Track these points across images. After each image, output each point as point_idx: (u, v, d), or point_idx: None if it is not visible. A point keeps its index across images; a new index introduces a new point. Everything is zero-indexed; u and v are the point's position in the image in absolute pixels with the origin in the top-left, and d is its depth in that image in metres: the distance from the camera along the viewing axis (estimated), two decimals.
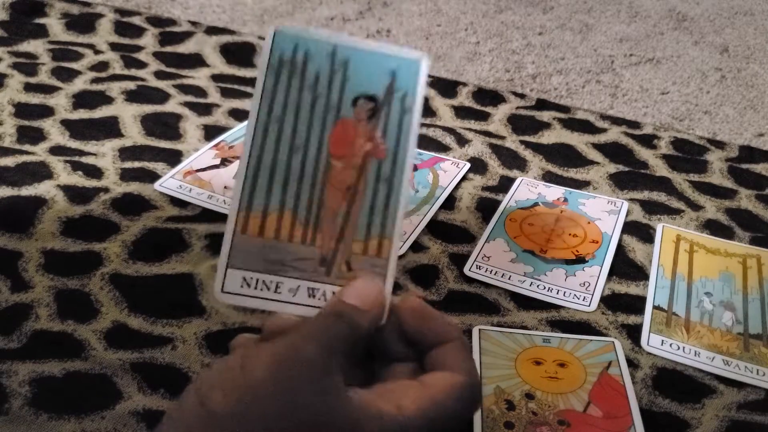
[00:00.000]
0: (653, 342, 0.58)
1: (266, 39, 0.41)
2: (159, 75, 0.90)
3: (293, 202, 0.40)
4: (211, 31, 1.01)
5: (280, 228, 0.40)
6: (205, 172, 0.73)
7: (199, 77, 0.91)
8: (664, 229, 0.70)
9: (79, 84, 0.86)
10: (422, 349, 0.39)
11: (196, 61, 0.95)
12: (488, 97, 0.92)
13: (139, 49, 0.96)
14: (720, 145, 0.86)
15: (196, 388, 0.34)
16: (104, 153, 0.75)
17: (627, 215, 0.72)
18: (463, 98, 0.91)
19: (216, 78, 0.91)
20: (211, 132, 0.79)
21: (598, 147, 0.83)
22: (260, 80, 0.41)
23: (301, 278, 0.40)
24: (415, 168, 0.76)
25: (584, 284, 0.63)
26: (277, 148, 0.40)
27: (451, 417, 0.36)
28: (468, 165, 0.77)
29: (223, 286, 0.39)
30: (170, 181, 0.71)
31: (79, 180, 0.70)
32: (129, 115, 0.81)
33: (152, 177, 0.72)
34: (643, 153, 0.83)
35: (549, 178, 0.77)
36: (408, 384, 0.37)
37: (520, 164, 0.79)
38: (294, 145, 0.41)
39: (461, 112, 0.88)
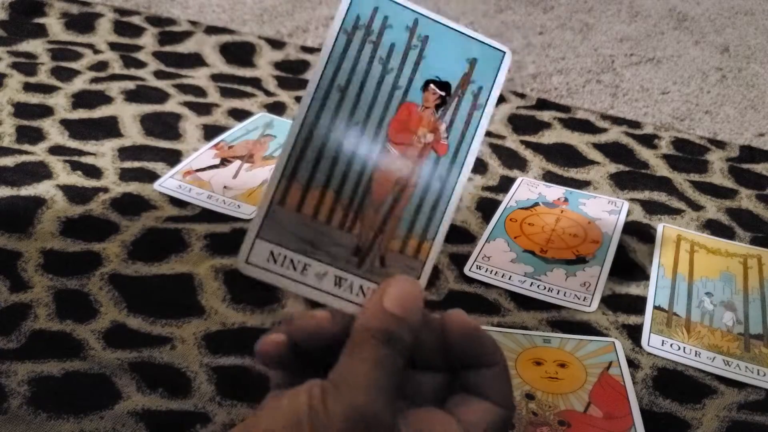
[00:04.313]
0: (654, 342, 0.58)
1: None
2: (158, 75, 0.90)
3: (338, 182, 0.37)
4: (211, 30, 1.01)
5: (320, 207, 0.37)
6: (204, 172, 0.73)
7: (198, 77, 0.91)
8: (664, 229, 0.70)
9: (79, 84, 0.86)
10: (458, 365, 0.38)
11: (195, 60, 0.95)
12: None
13: (138, 48, 0.96)
14: (720, 145, 0.85)
15: None
16: (104, 153, 0.74)
17: (627, 215, 0.72)
18: None
19: (216, 78, 0.91)
20: (210, 132, 0.79)
21: (598, 147, 0.83)
22: (329, 41, 0.37)
23: (332, 265, 0.37)
24: None
25: (584, 284, 0.63)
26: (334, 121, 0.37)
27: None
28: None
29: (249, 256, 0.36)
30: (170, 181, 0.71)
31: (78, 180, 0.70)
32: (128, 114, 0.81)
33: (152, 177, 0.71)
34: (644, 153, 0.83)
35: (549, 178, 0.77)
36: (449, 422, 0.35)
37: (521, 164, 0.79)
38: (352, 120, 0.37)
39: None
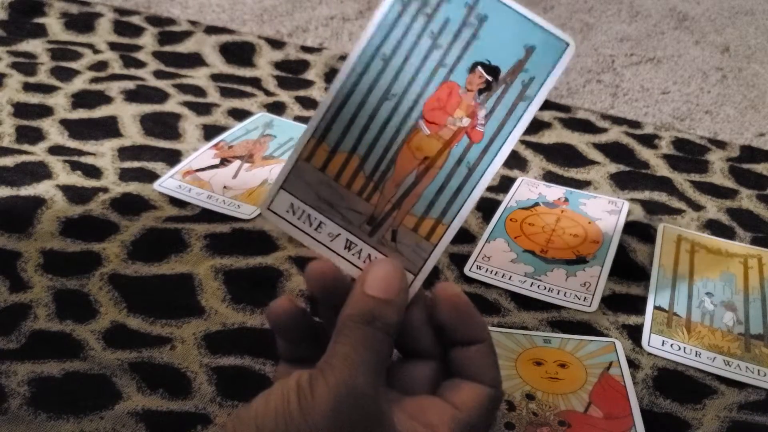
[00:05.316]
0: (654, 342, 0.58)
1: None
2: (158, 74, 0.90)
3: (365, 151, 0.37)
4: (211, 30, 1.01)
5: (343, 170, 0.38)
6: (204, 171, 0.73)
7: (198, 77, 0.91)
8: (665, 229, 0.70)
9: (78, 84, 0.86)
10: (448, 343, 0.39)
11: (195, 60, 0.94)
12: None
13: (138, 48, 0.96)
14: (721, 144, 0.85)
15: (256, 424, 0.34)
16: (103, 153, 0.74)
17: (628, 215, 0.72)
18: None
19: (215, 77, 0.91)
20: (210, 132, 0.79)
21: (598, 147, 0.83)
22: (382, 9, 0.36)
23: (345, 228, 0.38)
24: None
25: (585, 284, 0.63)
26: (372, 89, 0.37)
27: (478, 430, 0.37)
28: None
29: (271, 203, 0.38)
30: (169, 181, 0.71)
31: (78, 180, 0.70)
32: (128, 114, 0.81)
33: (151, 177, 0.71)
34: (644, 153, 0.83)
35: (549, 178, 0.77)
36: (439, 405, 0.37)
37: (521, 164, 0.79)
38: (389, 91, 0.37)
39: None
